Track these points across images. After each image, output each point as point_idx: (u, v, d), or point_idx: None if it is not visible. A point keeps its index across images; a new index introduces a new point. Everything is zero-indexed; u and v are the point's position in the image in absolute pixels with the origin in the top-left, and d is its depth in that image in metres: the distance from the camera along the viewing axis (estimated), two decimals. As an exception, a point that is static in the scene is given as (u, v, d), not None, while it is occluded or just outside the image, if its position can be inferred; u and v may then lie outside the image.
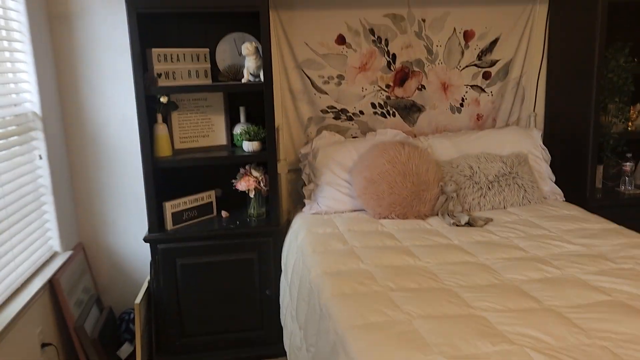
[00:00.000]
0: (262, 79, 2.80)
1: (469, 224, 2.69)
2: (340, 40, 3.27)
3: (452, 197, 2.89)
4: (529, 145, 3.24)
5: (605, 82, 3.03)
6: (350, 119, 3.38)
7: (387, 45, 3.32)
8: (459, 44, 3.39)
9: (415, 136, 3.39)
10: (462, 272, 2.09)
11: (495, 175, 2.99)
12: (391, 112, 3.42)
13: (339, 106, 3.35)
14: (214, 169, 3.12)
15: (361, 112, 3.38)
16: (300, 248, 2.51)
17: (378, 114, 3.41)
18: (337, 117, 3.36)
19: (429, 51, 3.37)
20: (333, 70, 3.29)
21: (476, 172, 2.99)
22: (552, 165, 3.27)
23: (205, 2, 2.71)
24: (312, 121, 3.34)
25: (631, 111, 3.24)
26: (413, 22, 3.31)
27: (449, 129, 3.49)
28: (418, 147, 3.01)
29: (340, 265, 2.18)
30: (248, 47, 2.81)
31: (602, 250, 2.25)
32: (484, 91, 3.48)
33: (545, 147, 3.28)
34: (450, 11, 3.33)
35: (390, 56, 3.34)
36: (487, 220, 2.74)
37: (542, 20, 3.44)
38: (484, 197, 2.93)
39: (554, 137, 3.45)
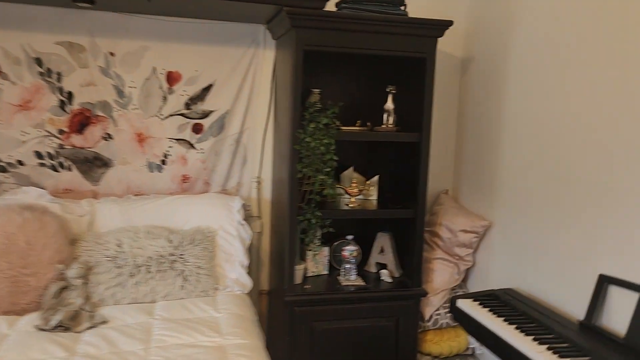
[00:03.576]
0: None
1: (62, 326, 1.94)
2: (-7, 68, 2.54)
3: (74, 285, 2.14)
4: (224, 218, 2.58)
5: (303, 148, 2.44)
6: (3, 170, 2.61)
7: (59, 80, 2.62)
8: (160, 87, 2.74)
9: (96, 197, 2.67)
10: None
11: (149, 257, 2.28)
12: (66, 165, 2.68)
13: (-14, 152, 2.58)
14: None
15: (20, 163, 2.62)
16: None
17: (47, 166, 2.66)
18: (-16, 167, 2.59)
19: (120, 93, 2.70)
20: (-20, 105, 2.54)
21: (124, 252, 2.27)
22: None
23: None
24: (-51, 169, 2.55)
25: (352, 185, 2.67)
26: (98, 54, 2.64)
27: (145, 191, 2.79)
28: (47, 214, 2.27)
29: None
30: None
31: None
32: (194, 147, 2.83)
33: (246, 223, 2.63)
34: (149, 46, 2.70)
35: (65, 94, 2.63)
36: (97, 323, 2.00)
37: (268, 68, 2.87)
38: (123, 286, 2.20)
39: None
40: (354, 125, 2.77)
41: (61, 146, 2.66)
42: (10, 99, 2.57)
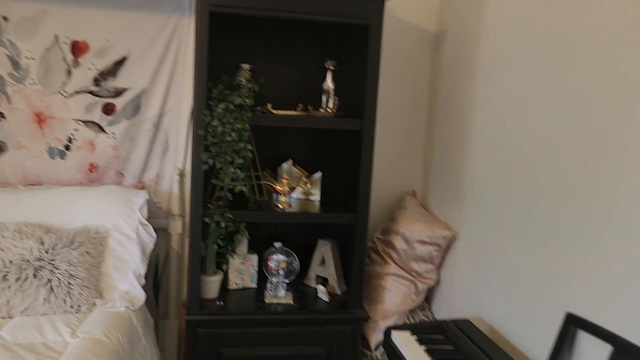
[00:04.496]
0: None
1: None
2: None
3: None
4: (121, 217, 2.13)
5: (210, 133, 1.97)
6: None
7: (-59, 47, 2.23)
8: (64, 59, 2.32)
9: (-17, 186, 2.27)
10: None
11: (10, 262, 1.85)
12: (-49, 147, 2.30)
13: None
14: None
15: None
16: None
17: None
18: None
19: (15, 65, 2.29)
20: None
21: (-20, 255, 1.85)
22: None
23: None
24: None
25: (283, 182, 2.18)
26: (-12, 18, 2.24)
27: (44, 181, 2.38)
28: None
29: None
30: None
31: None
32: (104, 131, 2.40)
33: (148, 224, 2.18)
34: (49, 10, 2.28)
35: (-52, 64, 2.24)
36: None
37: (193, 41, 2.41)
38: (-29, 297, 1.79)
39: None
40: (296, 110, 2.29)
41: (-56, 125, 2.28)
42: None
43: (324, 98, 2.17)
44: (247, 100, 1.96)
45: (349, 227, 2.22)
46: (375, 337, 2.31)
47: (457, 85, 2.32)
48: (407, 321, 2.37)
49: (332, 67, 2.12)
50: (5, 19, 2.25)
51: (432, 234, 2.27)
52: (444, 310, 2.38)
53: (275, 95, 2.37)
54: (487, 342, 1.74)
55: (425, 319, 2.40)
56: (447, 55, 2.45)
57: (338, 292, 2.31)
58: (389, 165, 2.66)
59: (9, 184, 2.33)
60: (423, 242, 2.28)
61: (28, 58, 2.30)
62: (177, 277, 2.50)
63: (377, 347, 2.32)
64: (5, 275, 1.83)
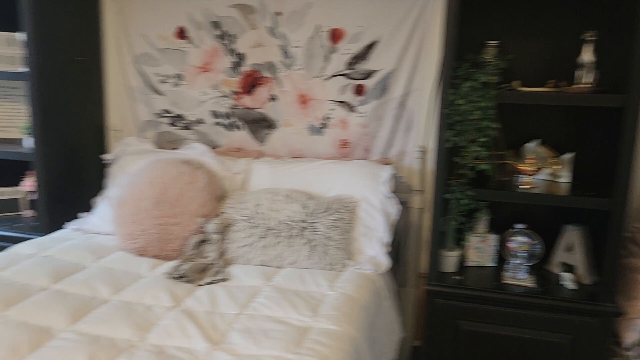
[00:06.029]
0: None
1: (183, 276, 2.03)
2: (181, 33, 2.78)
3: (211, 239, 2.23)
4: (368, 189, 2.35)
5: (454, 112, 2.02)
6: (188, 127, 2.86)
7: (233, 42, 2.72)
8: (323, 46, 2.61)
9: (259, 157, 2.74)
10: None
11: (281, 222, 2.22)
12: (238, 124, 2.81)
13: (175, 111, 2.86)
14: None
15: (200, 121, 2.84)
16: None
17: (222, 125, 2.83)
18: (173, 124, 2.88)
19: (285, 53, 2.67)
20: (171, 68, 2.82)
21: (259, 213, 2.26)
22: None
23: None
24: (149, 125, 2.92)
25: (527, 162, 2.12)
26: (265, 15, 2.65)
27: (305, 154, 2.74)
28: (200, 169, 2.38)
29: None
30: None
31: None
32: (354, 111, 2.64)
33: (394, 196, 2.34)
34: (313, 3, 2.59)
35: (237, 56, 2.73)
36: (218, 280, 2.03)
37: (438, 21, 2.46)
38: (252, 247, 2.20)
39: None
40: (546, 86, 2.18)
41: (234, 106, 2.79)
42: (194, 61, 2.78)
43: (578, 73, 2.01)
44: (492, 77, 1.94)
45: (602, 213, 2.04)
46: (630, 336, 2.10)
47: None
48: (672, 324, 2.09)
49: (590, 38, 1.95)
50: (278, 13, 2.63)
51: None
52: None
53: (524, 71, 2.27)
54: None
55: (696, 324, 2.08)
56: None
57: (586, 281, 2.16)
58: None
59: (279, 156, 2.74)
60: (698, 236, 1.97)
61: (295, 47, 2.65)
62: (415, 249, 2.63)
63: (631, 347, 2.11)
64: (278, 232, 2.19)
